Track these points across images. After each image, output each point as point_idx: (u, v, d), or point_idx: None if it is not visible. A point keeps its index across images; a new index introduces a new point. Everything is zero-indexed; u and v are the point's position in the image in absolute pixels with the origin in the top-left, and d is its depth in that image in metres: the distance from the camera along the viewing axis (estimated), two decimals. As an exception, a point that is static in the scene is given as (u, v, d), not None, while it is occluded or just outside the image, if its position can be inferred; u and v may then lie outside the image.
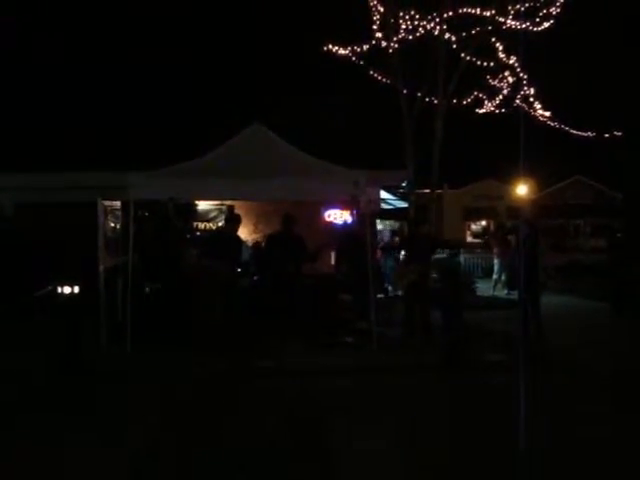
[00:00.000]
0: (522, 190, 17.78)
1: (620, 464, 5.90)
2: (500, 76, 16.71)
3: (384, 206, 17.36)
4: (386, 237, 17.47)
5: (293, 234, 11.32)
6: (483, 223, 37.46)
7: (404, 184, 16.76)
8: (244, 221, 12.32)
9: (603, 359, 10.25)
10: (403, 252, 12.23)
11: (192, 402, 7.97)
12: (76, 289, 10.00)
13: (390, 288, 16.52)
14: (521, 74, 15.23)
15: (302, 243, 11.27)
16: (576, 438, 6.49)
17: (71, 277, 10.18)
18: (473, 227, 37.78)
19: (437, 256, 14.16)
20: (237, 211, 13.22)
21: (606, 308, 15.33)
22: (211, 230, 14.95)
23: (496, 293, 18.70)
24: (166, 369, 9.40)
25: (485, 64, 16.08)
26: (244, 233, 13.45)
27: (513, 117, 17.36)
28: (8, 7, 22.01)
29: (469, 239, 35.93)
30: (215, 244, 11.02)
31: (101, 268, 10.99)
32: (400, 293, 13.01)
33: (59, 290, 10.08)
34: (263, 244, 12.46)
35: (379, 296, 13.54)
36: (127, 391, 8.52)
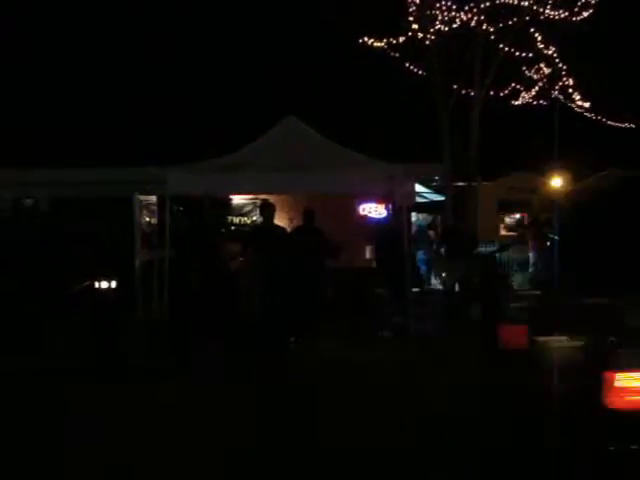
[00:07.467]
0: (557, 182, 17.49)
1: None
2: (537, 67, 16.47)
3: (419, 199, 17.18)
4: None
5: (313, 228, 11.21)
6: (517, 216, 37.03)
7: (438, 177, 16.59)
8: (280, 216, 12.22)
9: None
10: (443, 247, 12.09)
11: (228, 399, 7.93)
12: (113, 284, 10.01)
13: (433, 280, 16.28)
14: (560, 64, 15.01)
15: (322, 237, 11.13)
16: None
17: (108, 272, 10.19)
18: (507, 220, 37.34)
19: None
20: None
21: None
22: (246, 224, 14.90)
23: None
24: (204, 366, 9.36)
25: (523, 55, 15.85)
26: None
27: (550, 109, 17.08)
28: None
29: (502, 232, 35.52)
30: (254, 239, 10.91)
31: (137, 263, 11.02)
32: (441, 287, 12.89)
33: (96, 285, 10.09)
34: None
35: (415, 290, 13.42)
36: (160, 388, 8.46)
